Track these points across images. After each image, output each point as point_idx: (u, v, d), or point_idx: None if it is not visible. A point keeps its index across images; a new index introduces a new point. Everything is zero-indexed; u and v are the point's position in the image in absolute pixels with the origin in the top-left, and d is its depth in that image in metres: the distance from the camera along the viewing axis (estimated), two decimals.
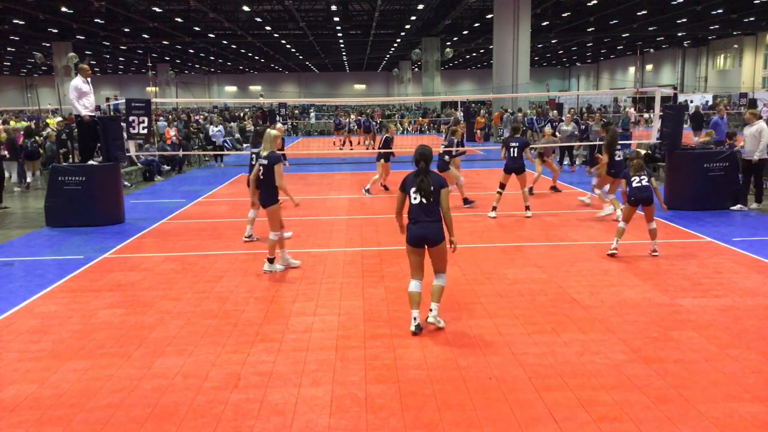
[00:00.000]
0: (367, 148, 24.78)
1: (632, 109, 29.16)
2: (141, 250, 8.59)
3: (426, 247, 5.31)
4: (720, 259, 7.50)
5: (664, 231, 9.17)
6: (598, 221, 9.98)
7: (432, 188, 5.24)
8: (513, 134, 10.79)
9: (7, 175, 15.24)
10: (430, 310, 5.35)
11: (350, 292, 6.48)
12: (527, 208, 10.35)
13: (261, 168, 7.07)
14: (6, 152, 14.79)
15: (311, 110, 43.99)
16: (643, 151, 16.04)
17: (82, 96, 10.43)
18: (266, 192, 7.07)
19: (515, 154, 10.31)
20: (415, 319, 5.28)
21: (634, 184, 7.64)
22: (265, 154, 7.11)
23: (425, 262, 5.41)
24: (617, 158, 9.84)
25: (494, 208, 10.42)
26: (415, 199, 5.29)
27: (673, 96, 13.94)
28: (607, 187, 10.20)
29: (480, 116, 27.05)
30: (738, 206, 10.69)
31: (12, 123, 18.79)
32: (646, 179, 7.63)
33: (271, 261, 7.23)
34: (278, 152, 7.25)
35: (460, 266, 7.38)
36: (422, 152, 5.35)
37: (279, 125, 14.79)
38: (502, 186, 10.42)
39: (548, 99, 40.77)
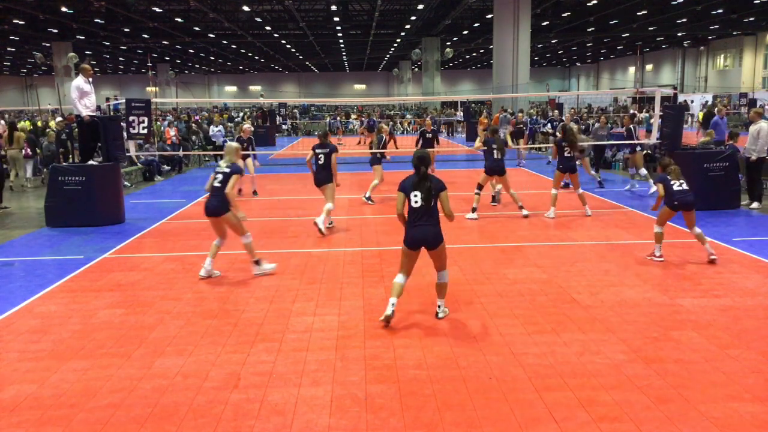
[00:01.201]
0: (371, 148, 24.69)
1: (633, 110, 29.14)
2: (141, 250, 8.59)
3: (425, 248, 5.51)
4: (720, 259, 7.49)
5: (664, 231, 9.16)
6: (597, 221, 9.98)
7: (432, 192, 5.40)
8: (492, 135, 10.45)
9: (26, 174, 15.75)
10: (438, 306, 5.65)
11: (350, 292, 6.48)
12: (521, 207, 10.29)
13: (221, 175, 6.95)
14: (28, 150, 15.53)
15: (293, 110, 44.03)
16: (642, 151, 16.07)
17: (84, 96, 10.44)
18: (220, 200, 6.91)
19: (498, 155, 10.13)
20: (392, 305, 5.45)
21: (676, 188, 7.33)
22: (226, 164, 7.03)
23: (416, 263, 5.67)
24: (566, 154, 10.25)
25: (474, 210, 10.24)
26: (415, 203, 5.44)
27: (673, 96, 13.95)
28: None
29: (483, 117, 26.96)
30: (754, 204, 10.96)
31: None
32: (686, 184, 7.40)
33: (258, 263, 7.17)
34: (239, 164, 7.24)
35: (460, 266, 7.38)
36: (421, 156, 5.51)
37: (246, 126, 14.81)
38: (480, 187, 10.32)
39: (548, 99, 40.76)
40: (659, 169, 7.74)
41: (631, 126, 14.21)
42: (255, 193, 13.50)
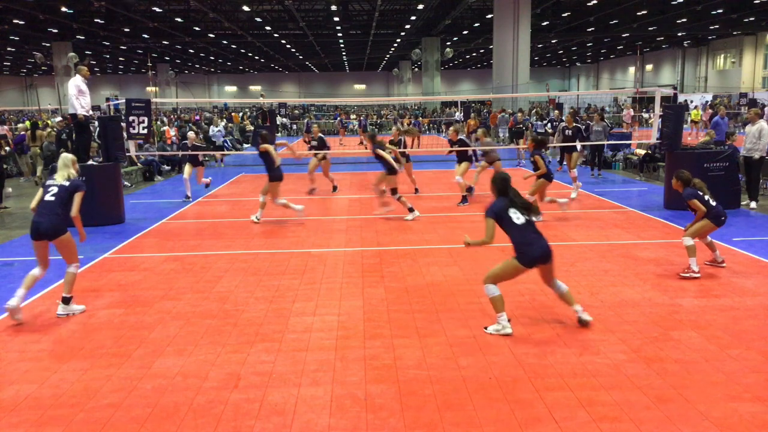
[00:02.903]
0: (366, 148, 24.71)
1: (630, 110, 29.07)
2: (141, 250, 8.59)
3: (540, 265, 5.34)
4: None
5: (664, 231, 9.18)
6: (597, 221, 9.98)
7: (531, 204, 5.47)
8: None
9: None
10: (577, 311, 5.38)
11: (350, 292, 6.48)
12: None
13: (55, 188, 5.87)
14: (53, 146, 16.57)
15: (294, 110, 43.91)
16: (642, 152, 16.07)
17: (80, 95, 10.49)
18: (58, 219, 5.78)
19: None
20: (509, 320, 5.33)
21: (712, 202, 6.85)
22: (63, 178, 5.97)
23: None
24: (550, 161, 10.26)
25: (411, 210, 10.14)
26: (517, 219, 5.30)
27: (672, 96, 13.94)
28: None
29: (471, 118, 26.61)
30: (753, 203, 10.97)
31: None
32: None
33: (67, 301, 5.89)
34: (80, 179, 6.33)
35: (460, 266, 7.38)
36: (504, 178, 5.50)
37: (191, 134, 14.67)
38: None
39: (548, 99, 40.75)
40: (677, 184, 7.05)
41: (574, 125, 14.31)
42: (187, 197, 13.68)
